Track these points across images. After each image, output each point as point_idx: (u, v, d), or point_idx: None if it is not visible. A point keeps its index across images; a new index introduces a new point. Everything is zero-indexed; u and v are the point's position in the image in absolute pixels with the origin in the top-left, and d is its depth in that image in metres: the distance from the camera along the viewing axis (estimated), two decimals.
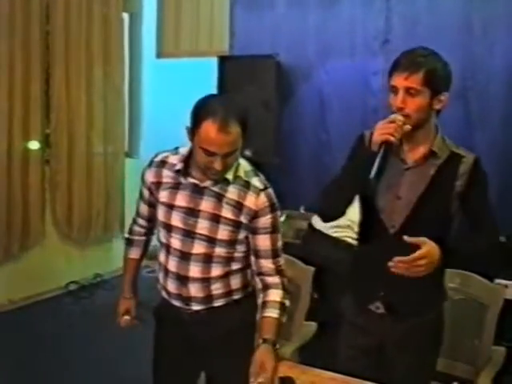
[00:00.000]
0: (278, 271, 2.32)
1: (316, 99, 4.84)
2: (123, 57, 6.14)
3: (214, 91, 4.81)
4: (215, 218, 2.26)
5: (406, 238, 2.06)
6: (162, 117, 5.87)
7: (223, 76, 4.97)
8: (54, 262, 5.60)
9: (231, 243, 2.30)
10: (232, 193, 2.26)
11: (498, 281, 3.25)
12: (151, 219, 2.51)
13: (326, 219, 2.49)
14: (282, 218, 4.26)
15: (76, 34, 5.57)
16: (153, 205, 2.43)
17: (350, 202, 2.30)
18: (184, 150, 2.31)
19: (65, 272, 5.61)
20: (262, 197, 2.26)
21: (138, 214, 2.55)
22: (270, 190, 2.30)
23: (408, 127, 2.13)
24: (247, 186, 2.26)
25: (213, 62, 5.04)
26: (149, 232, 2.59)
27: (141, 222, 2.56)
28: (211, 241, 2.28)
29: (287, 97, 4.98)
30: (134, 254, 2.61)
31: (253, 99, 4.80)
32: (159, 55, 6.18)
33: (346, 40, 4.67)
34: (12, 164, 5.18)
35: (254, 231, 2.30)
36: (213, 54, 5.25)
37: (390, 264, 2.07)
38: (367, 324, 2.37)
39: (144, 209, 2.50)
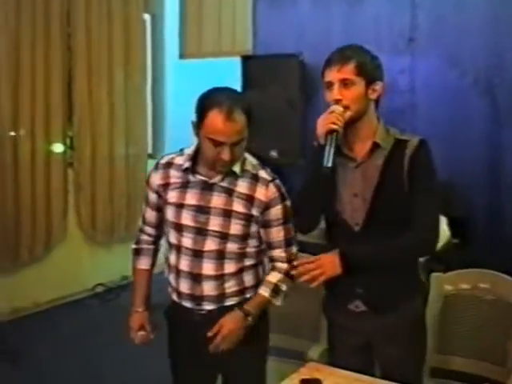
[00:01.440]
0: (290, 260, 2.36)
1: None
2: (145, 58, 6.17)
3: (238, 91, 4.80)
4: (227, 213, 2.28)
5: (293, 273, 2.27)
6: (185, 118, 5.84)
7: (247, 76, 4.95)
8: (80, 264, 5.64)
9: (243, 238, 2.31)
10: (241, 186, 2.29)
11: None
12: (158, 226, 2.50)
13: (301, 230, 2.48)
14: None
15: (97, 35, 5.63)
16: (160, 209, 2.43)
17: (318, 208, 2.36)
18: (190, 150, 2.36)
19: (91, 274, 5.65)
20: (272, 187, 2.31)
21: (144, 222, 2.53)
22: (278, 181, 2.36)
23: (349, 113, 2.18)
24: (256, 178, 2.31)
25: (236, 62, 5.03)
26: (157, 240, 2.57)
27: (148, 230, 2.53)
28: (224, 236, 2.29)
29: (312, 96, 4.93)
30: (144, 264, 2.56)
31: (277, 99, 4.78)
32: (182, 56, 6.18)
33: (370, 38, 4.60)
34: (35, 166, 5.23)
35: (267, 224, 2.33)
36: (236, 54, 5.24)
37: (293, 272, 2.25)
38: (350, 324, 2.37)
39: (151, 215, 2.49)
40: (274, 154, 4.79)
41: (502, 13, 4.23)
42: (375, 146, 2.25)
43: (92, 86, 5.61)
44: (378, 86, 2.24)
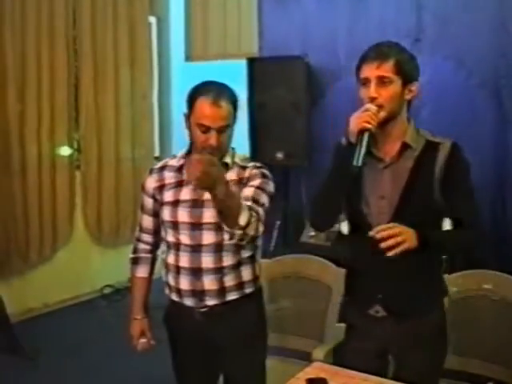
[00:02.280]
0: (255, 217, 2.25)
1: (346, 101, 4.79)
2: (151, 60, 6.19)
3: (244, 93, 4.82)
4: None
5: (370, 233, 2.09)
6: None
7: (252, 78, 4.96)
8: (88, 265, 5.66)
9: None
10: (232, 175, 2.36)
11: None
12: (156, 232, 2.54)
13: (317, 228, 2.48)
14: None
15: (103, 38, 5.65)
16: (157, 214, 2.48)
17: (338, 207, 2.32)
18: (182, 151, 2.45)
19: (99, 275, 5.67)
20: (256, 170, 2.40)
21: (141, 229, 2.58)
22: (265, 170, 2.42)
23: (383, 114, 2.13)
24: (244, 168, 2.39)
25: (242, 65, 5.04)
26: (154, 248, 2.60)
27: (145, 237, 2.58)
28: (219, 228, 2.32)
29: (317, 98, 4.95)
30: (142, 272, 2.60)
31: (283, 101, 4.79)
32: (188, 58, 6.21)
33: (376, 39, 4.61)
34: (43, 169, 5.26)
35: (243, 187, 2.36)
36: (242, 56, 5.25)
37: (382, 246, 2.04)
38: (369, 329, 2.32)
39: (148, 221, 2.54)
40: (279, 155, 4.80)
41: (508, 13, 4.22)
42: (405, 147, 2.21)
43: (98, 88, 5.64)
44: (414, 86, 2.19)
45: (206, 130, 2.28)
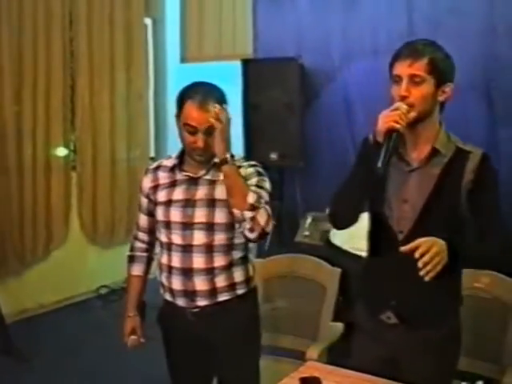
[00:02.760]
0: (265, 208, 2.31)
1: (340, 102, 4.84)
2: (146, 62, 6.21)
3: (239, 94, 4.84)
4: (211, 203, 2.37)
5: (402, 248, 1.96)
6: None
7: (247, 79, 4.99)
8: (83, 266, 5.67)
9: (229, 227, 2.38)
10: None
11: None
12: (151, 231, 2.58)
13: (335, 225, 2.39)
14: (308, 221, 4.27)
15: (99, 40, 5.65)
16: (152, 213, 2.52)
17: (360, 206, 2.24)
18: (177, 152, 2.48)
19: (95, 276, 5.68)
20: (250, 168, 2.41)
21: (138, 228, 2.63)
22: (259, 168, 2.44)
23: (413, 114, 2.04)
24: (239, 167, 2.38)
25: (236, 66, 5.07)
26: (150, 248, 2.64)
27: (141, 236, 2.62)
28: (210, 228, 2.37)
29: (311, 99, 4.98)
30: (137, 270, 2.64)
31: (277, 102, 4.82)
32: (183, 60, 6.23)
33: (369, 41, 4.66)
34: (39, 170, 5.27)
35: None
36: (236, 58, 5.27)
37: (422, 273, 1.90)
38: (380, 334, 2.26)
39: (143, 220, 2.59)
40: (273, 156, 4.83)
41: (498, 16, 4.26)
42: (435, 152, 2.12)
43: (94, 89, 5.65)
44: (449, 87, 2.10)
45: (194, 131, 2.31)
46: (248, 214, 2.25)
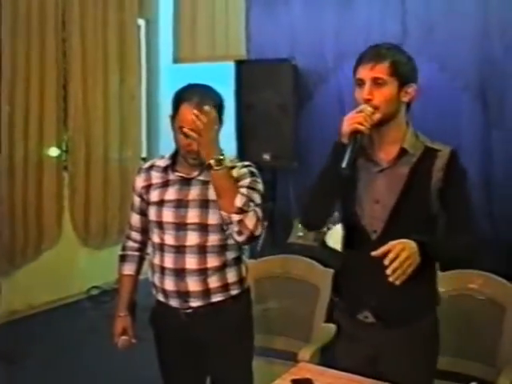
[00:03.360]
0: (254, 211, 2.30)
1: (334, 103, 4.84)
2: (139, 62, 6.20)
3: (232, 95, 4.83)
4: (204, 204, 2.36)
5: (373, 253, 1.98)
6: None
7: (240, 80, 4.99)
8: (75, 267, 5.64)
9: (222, 228, 2.36)
10: None
11: None
12: (143, 231, 2.56)
13: (307, 227, 2.44)
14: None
15: (92, 40, 5.64)
16: (144, 213, 2.51)
17: (330, 207, 2.27)
18: (170, 153, 2.47)
19: (86, 277, 5.65)
20: (244, 169, 2.40)
21: (130, 227, 2.61)
22: (253, 168, 2.43)
23: (377, 116, 2.07)
24: (233, 168, 2.38)
25: (230, 67, 5.06)
26: (142, 247, 2.62)
27: (134, 235, 2.60)
28: (203, 228, 2.35)
29: (305, 101, 4.98)
30: (128, 269, 2.62)
31: (270, 103, 4.82)
32: (176, 60, 6.21)
33: (362, 43, 4.64)
34: (30, 169, 5.25)
35: None
36: (230, 59, 5.27)
37: (391, 279, 1.95)
38: (359, 334, 2.28)
39: (136, 219, 2.57)
40: (266, 157, 4.82)
41: (492, 18, 4.27)
42: (403, 152, 2.15)
43: (87, 89, 5.63)
44: (412, 88, 2.13)
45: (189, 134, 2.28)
46: (235, 218, 2.25)
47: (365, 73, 2.10)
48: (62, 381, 4.04)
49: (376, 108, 2.08)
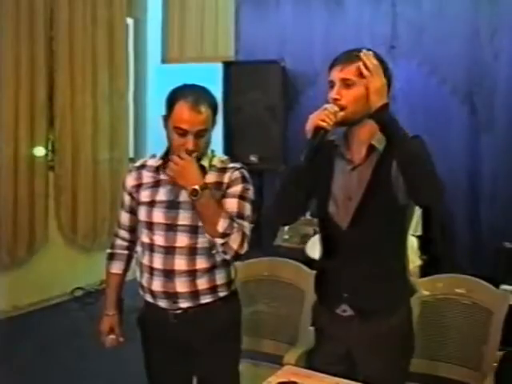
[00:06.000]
0: (239, 229, 2.31)
1: (322, 105, 4.83)
2: (127, 62, 6.17)
3: (220, 97, 4.81)
4: None
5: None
6: None
7: (228, 81, 4.98)
8: (60, 268, 5.59)
9: None
10: (209, 178, 2.36)
11: (503, 287, 3.25)
12: (132, 229, 2.55)
13: (278, 222, 2.59)
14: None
15: (80, 39, 5.61)
16: (134, 211, 2.49)
17: (295, 204, 2.33)
18: (161, 152, 2.44)
19: (71, 278, 5.61)
20: (236, 173, 2.40)
21: (119, 225, 2.59)
22: (245, 170, 2.43)
23: (342, 114, 2.15)
24: (224, 170, 2.39)
25: (218, 68, 5.05)
26: (131, 246, 2.60)
27: (122, 234, 2.58)
28: (193, 230, 2.34)
29: (293, 103, 4.98)
30: (116, 268, 2.60)
31: (258, 105, 4.82)
32: (164, 61, 6.20)
33: (352, 45, 4.65)
34: (17, 169, 5.20)
35: (224, 197, 2.36)
36: (218, 60, 5.26)
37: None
38: (335, 330, 2.34)
39: (125, 217, 2.55)
40: (253, 158, 4.82)
41: (480, 22, 4.29)
42: (372, 149, 2.22)
43: (75, 89, 5.59)
44: None
45: (184, 133, 2.27)
46: (219, 241, 2.28)
47: (335, 74, 2.19)
48: (46, 382, 4.01)
49: (343, 108, 2.15)
